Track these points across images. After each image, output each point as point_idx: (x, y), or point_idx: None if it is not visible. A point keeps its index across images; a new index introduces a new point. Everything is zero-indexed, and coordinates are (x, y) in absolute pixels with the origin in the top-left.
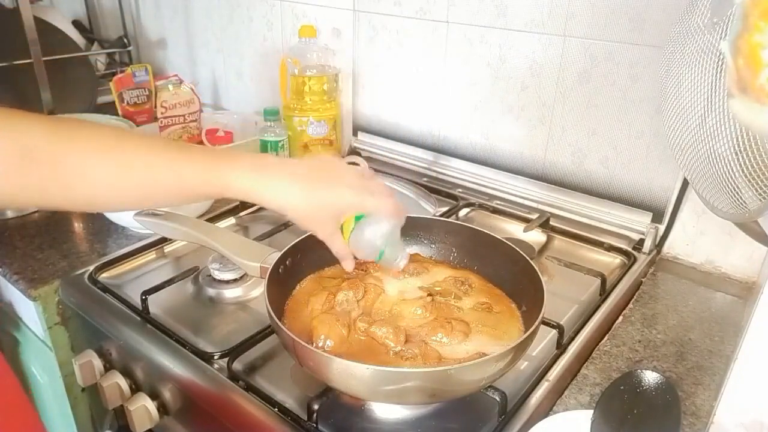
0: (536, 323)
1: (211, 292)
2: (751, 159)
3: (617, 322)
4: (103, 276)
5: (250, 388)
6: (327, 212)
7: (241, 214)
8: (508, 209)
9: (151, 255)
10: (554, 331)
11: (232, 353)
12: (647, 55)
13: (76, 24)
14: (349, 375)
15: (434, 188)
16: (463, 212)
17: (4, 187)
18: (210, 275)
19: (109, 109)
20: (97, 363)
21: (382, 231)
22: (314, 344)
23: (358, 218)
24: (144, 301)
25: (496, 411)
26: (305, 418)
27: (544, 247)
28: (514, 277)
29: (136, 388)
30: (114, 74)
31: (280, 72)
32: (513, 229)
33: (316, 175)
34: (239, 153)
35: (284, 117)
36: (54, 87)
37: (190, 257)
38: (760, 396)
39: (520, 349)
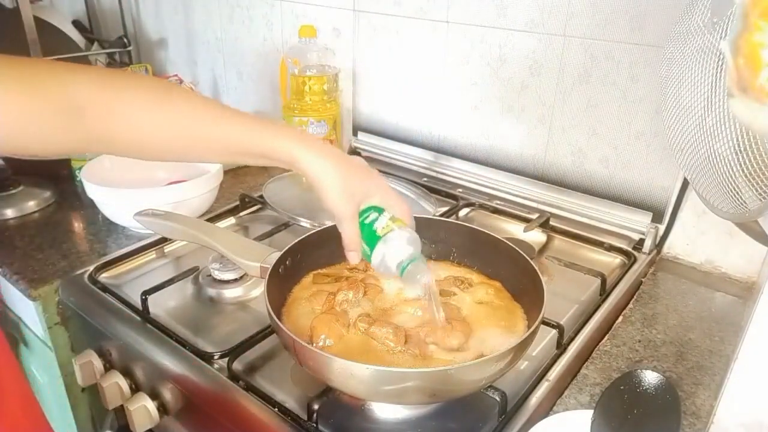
0: (536, 323)
1: (211, 292)
2: (751, 159)
3: (617, 322)
4: (103, 276)
5: (250, 388)
6: (356, 194)
7: (241, 214)
8: (508, 209)
9: (151, 255)
10: (554, 331)
11: (232, 353)
12: (647, 55)
13: (76, 24)
14: (349, 375)
15: (434, 188)
16: (463, 212)
17: (54, 137)
18: (210, 275)
19: None
20: (97, 363)
21: (408, 239)
22: (314, 344)
23: (378, 209)
24: (144, 301)
25: (496, 411)
26: (305, 418)
27: (544, 247)
28: (514, 277)
29: (136, 388)
30: None
31: (280, 72)
32: (513, 229)
33: (353, 162)
34: (280, 121)
35: (284, 117)
36: None
37: (190, 257)
38: (760, 396)
39: (520, 349)
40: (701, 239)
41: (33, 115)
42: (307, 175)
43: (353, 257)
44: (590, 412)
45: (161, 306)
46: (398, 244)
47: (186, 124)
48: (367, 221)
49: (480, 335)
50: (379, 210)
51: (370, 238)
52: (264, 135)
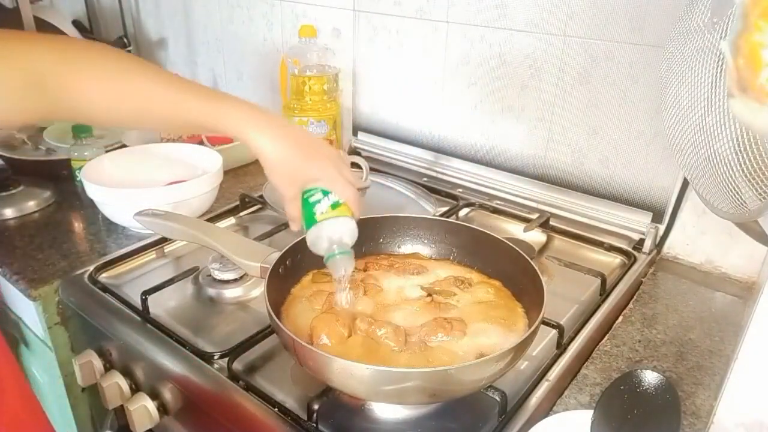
0: (536, 323)
1: (211, 292)
2: (751, 159)
3: (617, 322)
4: (103, 276)
5: (250, 388)
6: (298, 176)
7: (241, 214)
8: (508, 209)
9: (151, 255)
10: (554, 331)
11: (232, 353)
12: (647, 55)
13: (76, 24)
14: (349, 375)
15: (434, 188)
16: (463, 212)
17: (21, 108)
18: (210, 275)
19: None
20: (97, 363)
21: (343, 229)
22: (314, 344)
23: (324, 191)
24: (144, 301)
25: (496, 411)
26: (305, 418)
27: (544, 247)
28: (514, 277)
29: (136, 388)
30: None
31: (280, 72)
32: (513, 229)
33: (304, 142)
34: (237, 97)
35: (284, 117)
36: None
37: (190, 257)
38: (760, 396)
39: (520, 349)
40: (701, 239)
41: (2, 90)
42: (253, 152)
43: (293, 226)
44: (590, 412)
45: (161, 306)
46: (331, 232)
47: (141, 98)
48: (311, 200)
49: (480, 335)
50: (326, 192)
51: (309, 218)
52: (216, 110)
